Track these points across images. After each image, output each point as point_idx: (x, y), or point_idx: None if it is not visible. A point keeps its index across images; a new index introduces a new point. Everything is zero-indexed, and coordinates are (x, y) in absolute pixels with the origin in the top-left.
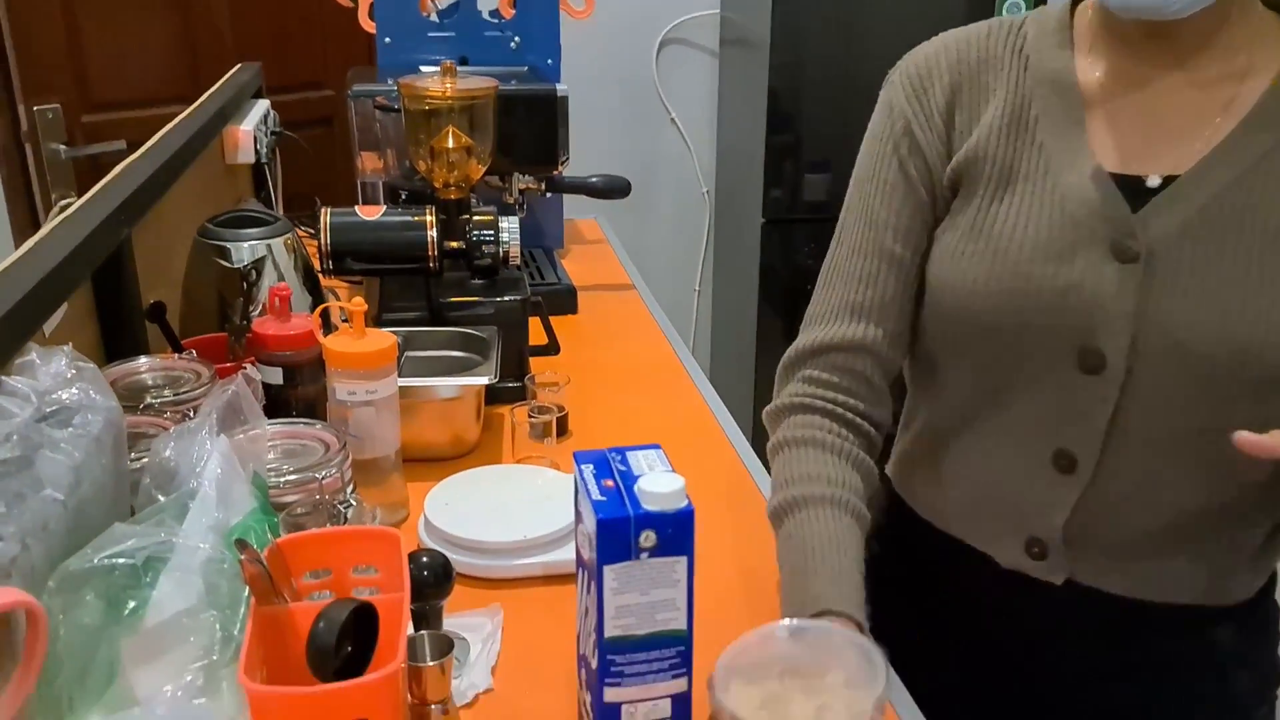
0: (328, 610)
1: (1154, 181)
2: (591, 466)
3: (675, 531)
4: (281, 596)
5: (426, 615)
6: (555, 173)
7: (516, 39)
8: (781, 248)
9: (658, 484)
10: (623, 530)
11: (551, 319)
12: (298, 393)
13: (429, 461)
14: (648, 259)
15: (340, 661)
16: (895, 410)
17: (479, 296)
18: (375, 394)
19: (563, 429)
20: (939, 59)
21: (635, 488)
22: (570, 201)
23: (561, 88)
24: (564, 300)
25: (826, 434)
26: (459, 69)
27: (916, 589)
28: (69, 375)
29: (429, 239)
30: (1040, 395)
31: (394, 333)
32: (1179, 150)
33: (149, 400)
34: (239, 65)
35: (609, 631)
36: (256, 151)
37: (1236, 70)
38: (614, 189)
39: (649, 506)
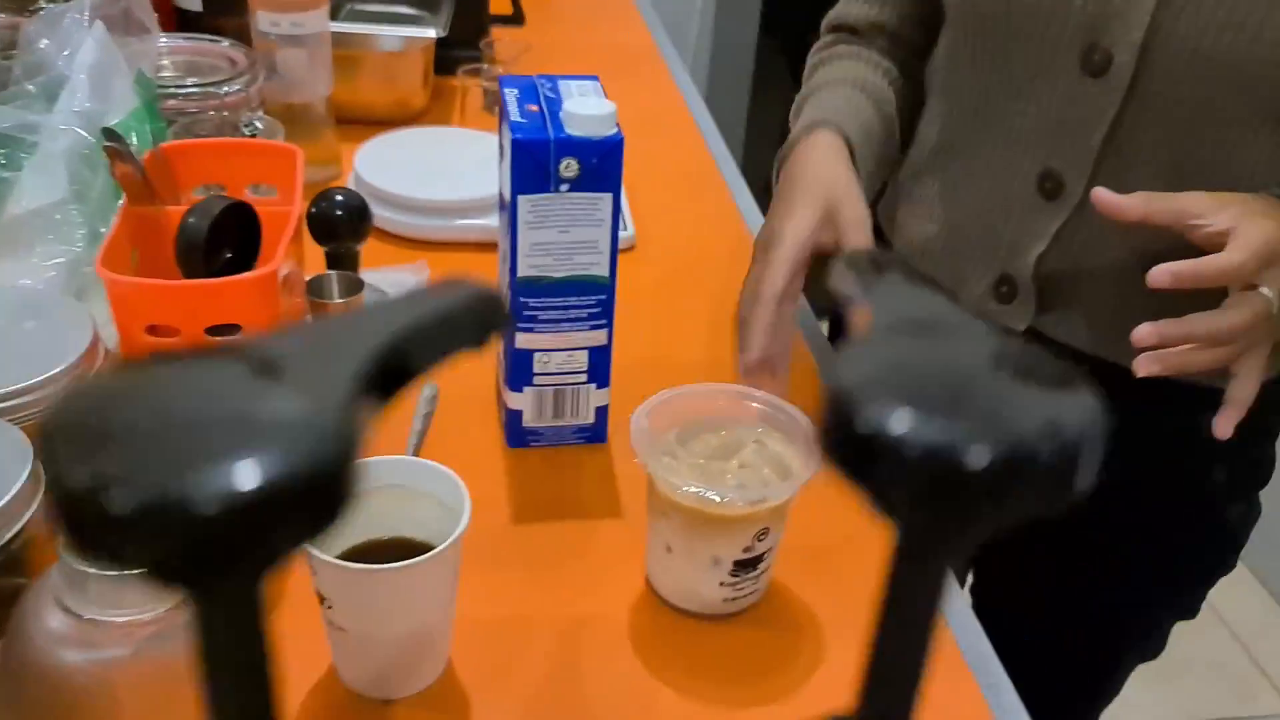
0: (201, 204)
1: None
2: (517, 91)
3: (601, 162)
4: (160, 201)
5: (340, 258)
6: None
7: None
8: None
9: (584, 106)
10: (540, 155)
11: None
12: (218, 24)
13: (370, 124)
14: None
15: (217, 265)
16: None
17: None
18: (302, 28)
19: None
20: None
21: (560, 112)
22: None
23: None
24: None
25: (871, 53)
26: None
27: None
28: None
29: None
30: (1036, 103)
31: None
32: None
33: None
34: None
35: (522, 271)
36: None
37: None
38: None
39: (572, 131)
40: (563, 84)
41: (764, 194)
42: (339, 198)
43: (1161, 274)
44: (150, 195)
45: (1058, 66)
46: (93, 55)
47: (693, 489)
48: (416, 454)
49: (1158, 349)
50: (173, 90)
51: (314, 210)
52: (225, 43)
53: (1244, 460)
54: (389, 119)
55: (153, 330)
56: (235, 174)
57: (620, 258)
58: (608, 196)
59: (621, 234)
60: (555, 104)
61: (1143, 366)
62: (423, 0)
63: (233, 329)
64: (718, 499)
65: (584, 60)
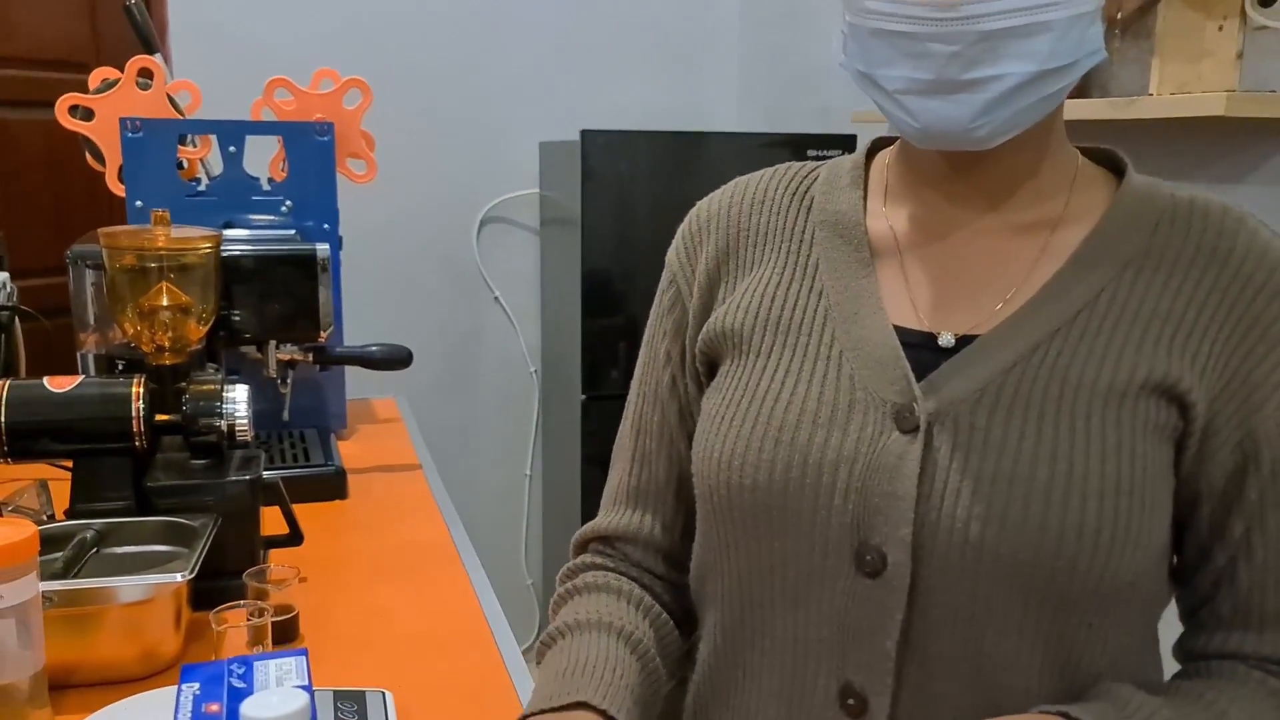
0: None
1: (946, 340)
2: (197, 686)
3: None
4: None
5: None
6: (320, 341)
7: (288, 203)
8: (601, 426)
9: (266, 706)
10: None
11: (314, 505)
12: None
13: (114, 684)
14: (476, 443)
15: None
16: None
17: (198, 479)
18: (2, 600)
19: (290, 634)
20: (720, 209)
21: (239, 711)
22: (373, 381)
23: (322, 248)
24: (330, 484)
25: (621, 582)
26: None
27: None
28: None
29: (134, 412)
30: (817, 609)
31: (86, 525)
32: (980, 306)
33: None
34: None
35: None
36: None
37: (1048, 218)
38: (394, 359)
39: None
40: (258, 667)
41: None
42: None
43: None
44: None
45: (832, 571)
46: None
47: None
48: None
49: None
50: None
51: None
52: None
53: None
54: (136, 675)
55: None
56: None
57: None
58: None
59: None
60: (241, 696)
61: None
62: (184, 536)
63: None
64: None
65: (375, 573)
